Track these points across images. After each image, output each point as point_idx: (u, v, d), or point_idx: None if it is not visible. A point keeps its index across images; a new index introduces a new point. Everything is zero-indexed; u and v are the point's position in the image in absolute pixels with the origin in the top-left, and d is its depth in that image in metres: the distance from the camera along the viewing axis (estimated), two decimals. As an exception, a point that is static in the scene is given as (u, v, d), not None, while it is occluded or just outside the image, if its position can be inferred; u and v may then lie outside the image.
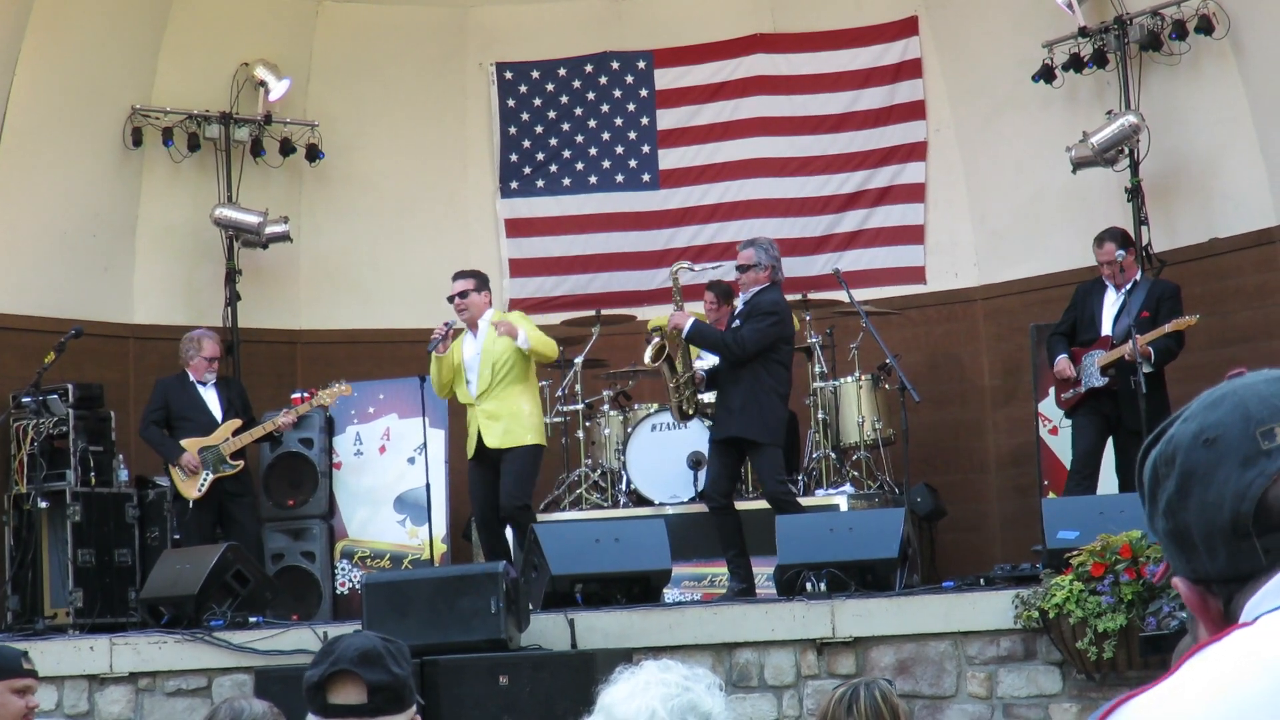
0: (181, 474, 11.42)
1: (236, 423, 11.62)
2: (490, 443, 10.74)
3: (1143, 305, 10.71)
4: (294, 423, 11.96)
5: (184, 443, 11.47)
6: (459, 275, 11.09)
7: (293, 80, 13.48)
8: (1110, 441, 10.84)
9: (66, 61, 12.75)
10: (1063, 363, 10.78)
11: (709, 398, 11.24)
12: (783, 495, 10.39)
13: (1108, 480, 10.83)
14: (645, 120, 14.29)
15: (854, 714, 4.92)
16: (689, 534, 11.14)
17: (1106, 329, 10.79)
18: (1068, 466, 11.29)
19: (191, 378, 11.70)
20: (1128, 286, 10.84)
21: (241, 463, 11.60)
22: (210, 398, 11.72)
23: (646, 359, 11.14)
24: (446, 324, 10.84)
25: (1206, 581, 1.57)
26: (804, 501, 11.03)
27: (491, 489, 10.80)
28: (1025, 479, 12.48)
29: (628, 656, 8.22)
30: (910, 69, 13.70)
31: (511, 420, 10.75)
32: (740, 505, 11.35)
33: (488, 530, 11.01)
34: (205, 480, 11.40)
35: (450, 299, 10.96)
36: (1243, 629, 1.50)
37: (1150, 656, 8.12)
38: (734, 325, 10.59)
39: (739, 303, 10.85)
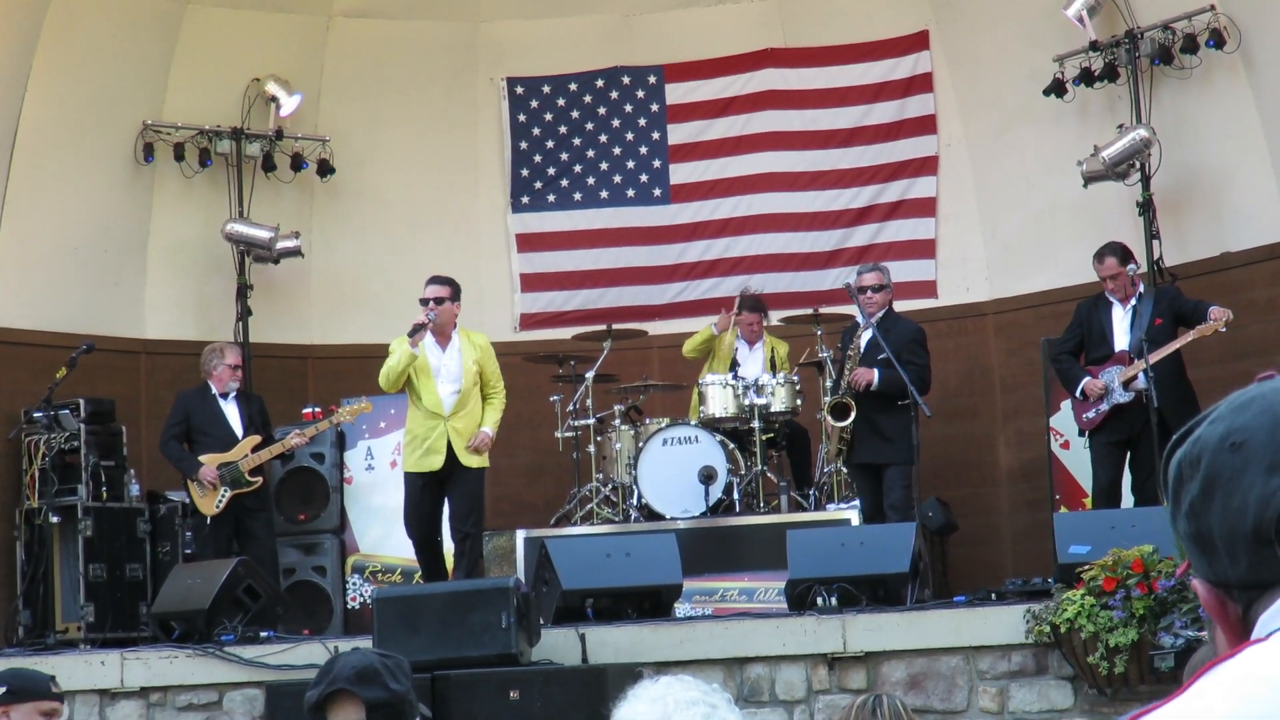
0: (199, 489, 11.38)
1: (255, 439, 11.55)
2: (467, 460, 10.80)
3: (1153, 314, 10.68)
4: (307, 442, 11.96)
5: (203, 459, 11.41)
6: (435, 280, 11.04)
7: (304, 96, 13.50)
8: (1128, 459, 10.80)
9: (78, 77, 12.77)
10: (1090, 382, 10.71)
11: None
12: (910, 505, 10.76)
13: (1124, 497, 10.81)
14: (656, 135, 14.29)
15: (878, 717, 4.94)
16: (700, 548, 11.13)
17: (1120, 344, 10.75)
18: (1079, 480, 11.24)
19: (214, 390, 11.65)
20: (1134, 300, 10.81)
21: (260, 479, 11.54)
22: (231, 412, 11.66)
23: (832, 422, 11.01)
24: (430, 313, 10.83)
25: (1227, 586, 1.54)
26: (814, 516, 11.07)
27: (438, 507, 10.96)
28: (1037, 493, 12.46)
29: (639, 671, 8.21)
30: (921, 83, 13.69)
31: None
32: (751, 520, 11.36)
33: (429, 551, 11.06)
34: (224, 496, 11.35)
35: (424, 301, 10.90)
36: (1256, 645, 1.47)
37: (1161, 671, 8.10)
38: (880, 355, 10.68)
39: (866, 326, 10.83)
